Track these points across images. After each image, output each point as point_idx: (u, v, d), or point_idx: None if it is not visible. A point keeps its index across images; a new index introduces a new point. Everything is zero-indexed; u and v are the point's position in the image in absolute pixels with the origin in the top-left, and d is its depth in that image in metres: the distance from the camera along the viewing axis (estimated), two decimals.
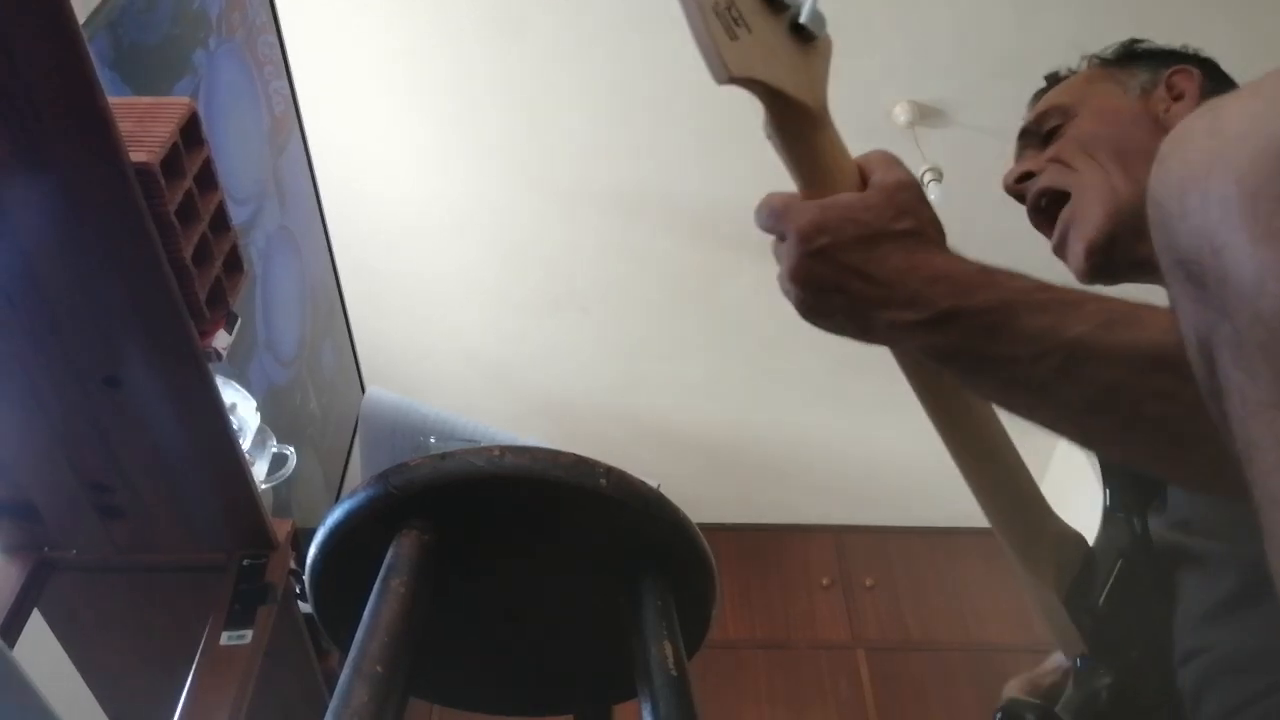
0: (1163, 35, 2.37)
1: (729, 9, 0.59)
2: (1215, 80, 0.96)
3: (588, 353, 3.25)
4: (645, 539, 0.70)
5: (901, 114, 2.52)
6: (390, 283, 3.00)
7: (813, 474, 3.56)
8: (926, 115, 2.53)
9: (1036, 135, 0.99)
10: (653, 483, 0.70)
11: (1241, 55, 2.51)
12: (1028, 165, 0.97)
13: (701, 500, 2.34)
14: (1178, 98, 0.94)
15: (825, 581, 3.40)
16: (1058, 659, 0.91)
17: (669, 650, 0.64)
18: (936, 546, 3.44)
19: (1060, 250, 0.94)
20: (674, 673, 0.62)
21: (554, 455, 0.66)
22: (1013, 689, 0.91)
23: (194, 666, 1.29)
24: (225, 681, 1.27)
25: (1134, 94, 0.96)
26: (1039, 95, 1.04)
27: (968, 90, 2.47)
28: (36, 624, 1.38)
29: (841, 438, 3.42)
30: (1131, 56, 1.00)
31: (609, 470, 0.67)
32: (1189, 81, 0.95)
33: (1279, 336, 0.38)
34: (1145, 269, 0.90)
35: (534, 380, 3.34)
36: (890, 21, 2.37)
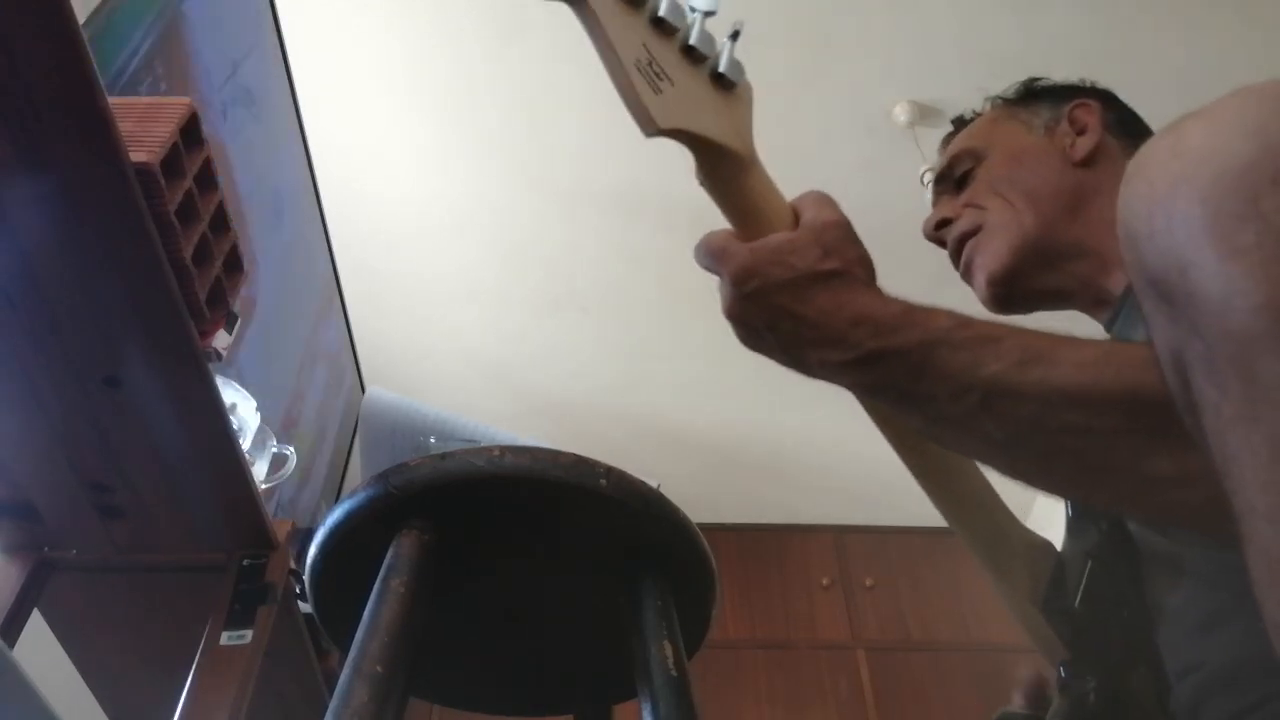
0: (1163, 32, 2.38)
1: (650, 65, 0.61)
2: (1115, 111, 1.00)
3: (588, 353, 3.25)
4: (645, 539, 0.70)
5: (901, 114, 2.52)
6: (390, 283, 3.00)
7: (813, 474, 3.56)
8: (926, 115, 2.53)
9: (950, 180, 1.03)
10: (653, 483, 0.70)
11: (1245, 50, 2.50)
12: (944, 212, 1.01)
13: (701, 500, 2.34)
14: (1080, 131, 0.97)
15: (825, 581, 3.40)
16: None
17: (669, 650, 0.64)
18: (936, 546, 3.44)
19: (966, 279, 0.98)
20: (674, 673, 0.62)
21: (554, 455, 0.66)
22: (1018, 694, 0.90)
23: (194, 666, 1.29)
24: (225, 681, 1.27)
25: (1039, 132, 0.99)
26: (947, 140, 1.07)
27: (968, 90, 2.45)
28: (36, 624, 1.38)
29: (841, 438, 3.42)
30: (1032, 95, 1.04)
31: (609, 470, 0.67)
32: (1090, 115, 0.98)
33: (1248, 351, 0.39)
34: (1053, 299, 0.95)
35: (534, 380, 3.34)
36: (890, 21, 2.37)
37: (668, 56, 0.62)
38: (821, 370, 0.63)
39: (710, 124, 0.63)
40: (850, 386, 0.64)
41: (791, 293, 0.62)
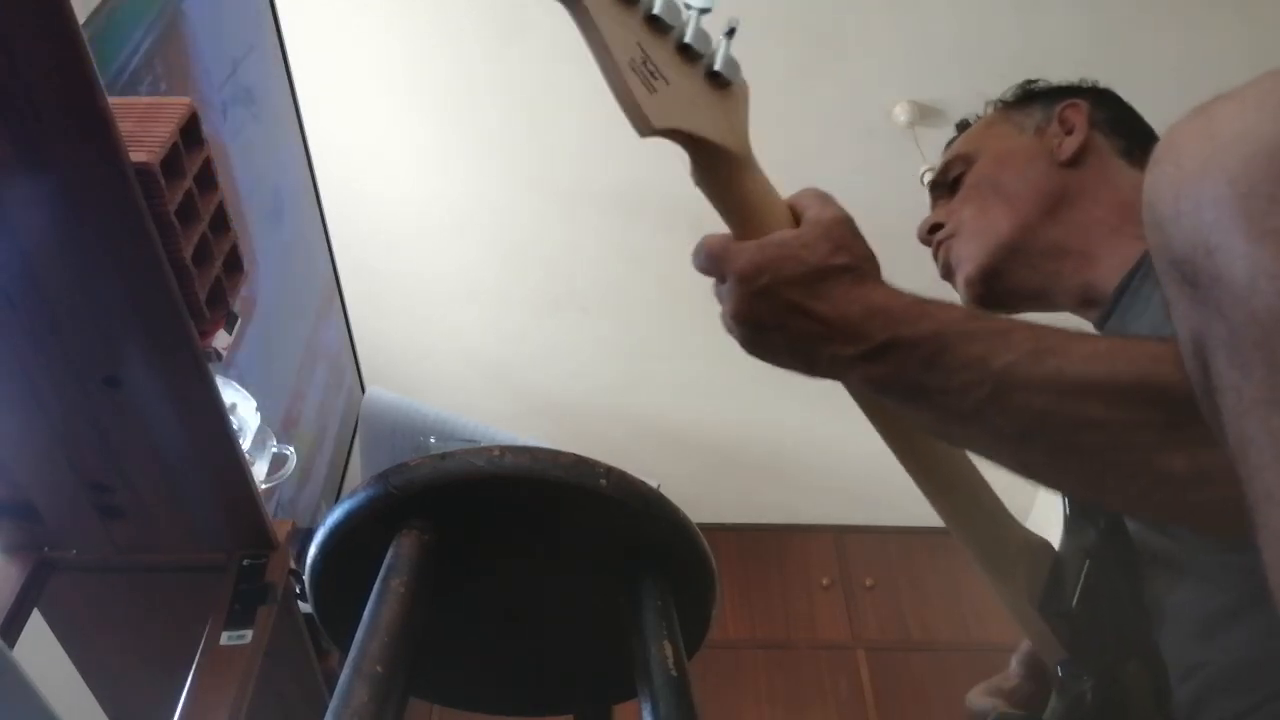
0: (1163, 32, 2.38)
1: (645, 63, 0.60)
2: (1107, 109, 1.00)
3: (588, 353, 3.25)
4: (645, 539, 0.70)
5: (901, 114, 2.52)
6: (390, 283, 3.00)
7: (813, 474, 3.55)
8: (926, 115, 2.53)
9: (944, 185, 1.04)
10: (653, 483, 0.70)
11: (1244, 50, 2.50)
12: (937, 217, 1.01)
13: (701, 500, 2.34)
14: (1069, 131, 0.97)
15: (825, 581, 3.40)
16: (1015, 668, 0.90)
17: (669, 650, 0.64)
18: (936, 546, 3.44)
19: (949, 281, 0.99)
20: (674, 673, 0.62)
21: (554, 455, 0.66)
22: (977, 695, 0.89)
23: (194, 666, 1.29)
24: (225, 681, 1.27)
25: (1029, 133, 1.00)
26: (950, 144, 1.08)
27: (968, 90, 2.45)
28: (36, 624, 1.38)
29: (841, 438, 3.41)
30: (1029, 96, 1.04)
31: (609, 470, 0.67)
32: (1078, 114, 0.98)
33: (1272, 335, 0.39)
34: (1036, 299, 0.95)
35: (534, 380, 3.34)
36: (890, 21, 2.37)
37: (662, 55, 0.61)
38: (831, 366, 0.62)
39: (705, 123, 0.63)
40: (859, 382, 0.63)
41: (803, 288, 0.61)
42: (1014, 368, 0.55)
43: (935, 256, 1.00)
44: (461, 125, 2.63)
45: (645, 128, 0.60)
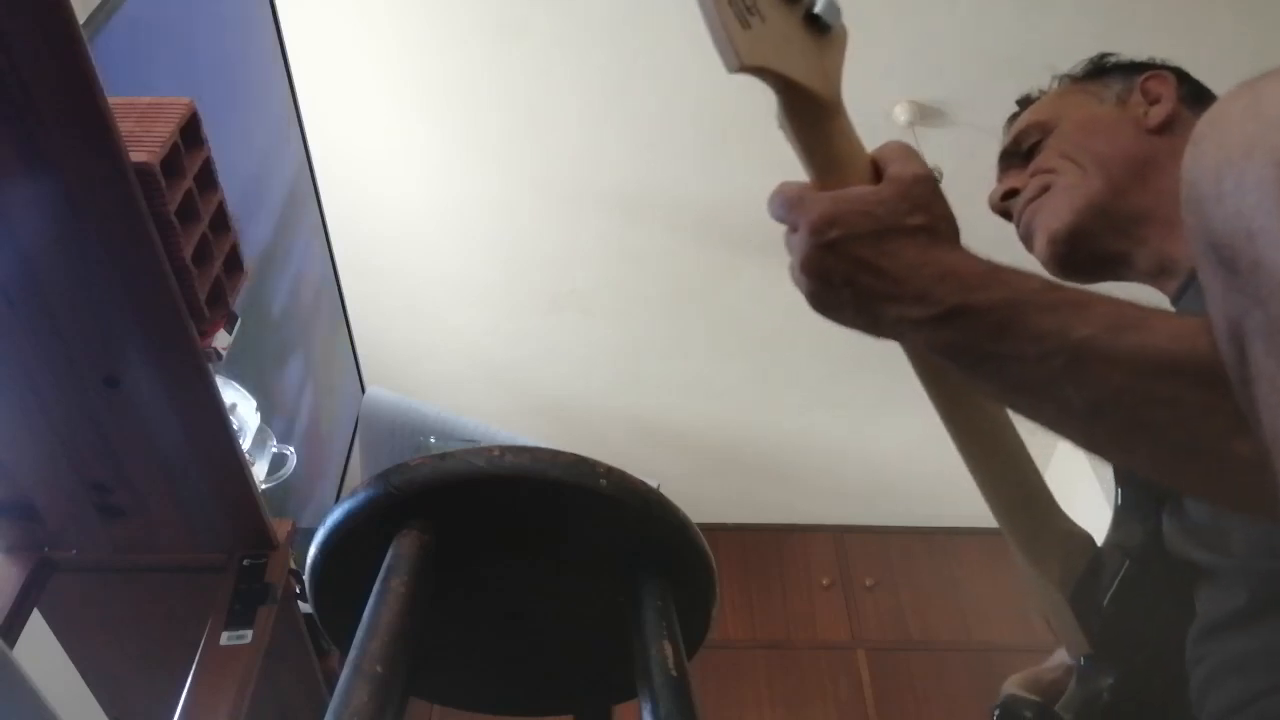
0: (1164, 32, 2.38)
1: None
2: (1189, 84, 0.98)
3: (588, 353, 3.25)
4: (645, 539, 0.70)
5: (901, 114, 2.52)
6: (390, 283, 3.00)
7: (813, 474, 3.56)
8: (926, 115, 2.53)
9: (1017, 155, 1.01)
10: (653, 483, 0.70)
11: (1246, 50, 2.51)
12: (1012, 183, 0.99)
13: (701, 500, 2.34)
14: (1154, 101, 0.95)
15: (825, 581, 3.40)
16: (1060, 655, 0.91)
17: (669, 650, 0.64)
18: (936, 546, 3.44)
19: (1027, 241, 0.96)
20: (674, 673, 0.62)
21: (554, 455, 0.66)
22: (1013, 684, 0.91)
23: (194, 666, 1.29)
24: (225, 681, 1.27)
25: (1110, 103, 0.97)
26: (1012, 119, 1.06)
27: (968, 90, 2.47)
28: (36, 624, 1.38)
29: (841, 438, 3.42)
30: (1102, 70, 1.02)
31: (609, 470, 0.67)
32: (1164, 85, 0.96)
33: None
34: (1116, 265, 0.93)
35: (534, 380, 3.34)
36: (890, 21, 2.37)
37: None
38: (897, 327, 0.61)
39: (797, 65, 0.61)
40: (925, 345, 0.61)
41: (875, 245, 0.59)
42: (1092, 341, 0.53)
43: (1016, 221, 0.98)
44: (462, 125, 2.63)
45: (734, 63, 0.58)
